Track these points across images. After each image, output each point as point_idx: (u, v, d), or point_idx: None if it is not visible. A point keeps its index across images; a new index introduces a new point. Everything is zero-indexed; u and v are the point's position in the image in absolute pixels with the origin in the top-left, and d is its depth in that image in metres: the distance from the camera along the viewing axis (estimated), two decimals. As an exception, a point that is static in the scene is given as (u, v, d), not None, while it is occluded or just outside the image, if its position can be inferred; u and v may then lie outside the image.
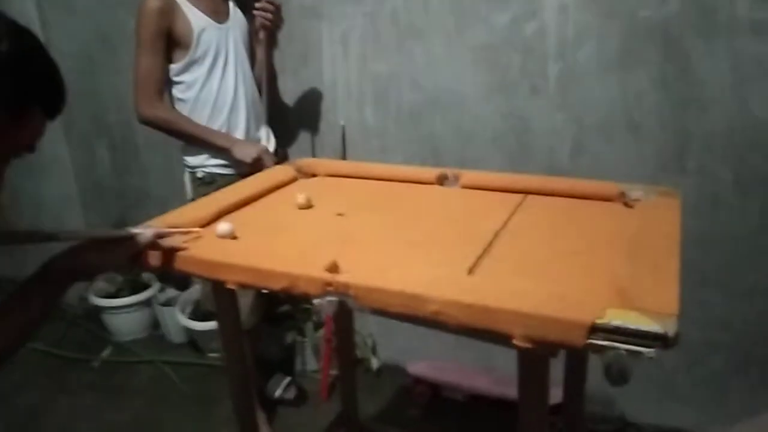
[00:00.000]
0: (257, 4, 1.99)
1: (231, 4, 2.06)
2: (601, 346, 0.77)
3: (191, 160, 2.03)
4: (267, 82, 2.10)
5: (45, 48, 0.82)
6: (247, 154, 1.94)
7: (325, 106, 2.34)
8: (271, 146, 2.13)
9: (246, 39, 2.07)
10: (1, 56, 0.74)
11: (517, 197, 1.40)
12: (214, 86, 1.97)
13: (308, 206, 1.40)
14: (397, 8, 2.08)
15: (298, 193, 1.41)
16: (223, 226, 1.20)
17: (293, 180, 1.65)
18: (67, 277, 0.97)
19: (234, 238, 1.19)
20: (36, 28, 2.80)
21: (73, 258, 0.99)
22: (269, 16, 1.99)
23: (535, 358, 0.91)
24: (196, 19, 1.91)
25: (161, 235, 1.11)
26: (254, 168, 1.88)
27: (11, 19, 0.78)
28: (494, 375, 2.23)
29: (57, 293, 0.96)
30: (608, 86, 1.87)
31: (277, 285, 1.01)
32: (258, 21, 2.01)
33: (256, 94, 2.10)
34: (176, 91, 1.98)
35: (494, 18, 1.95)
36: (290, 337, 2.54)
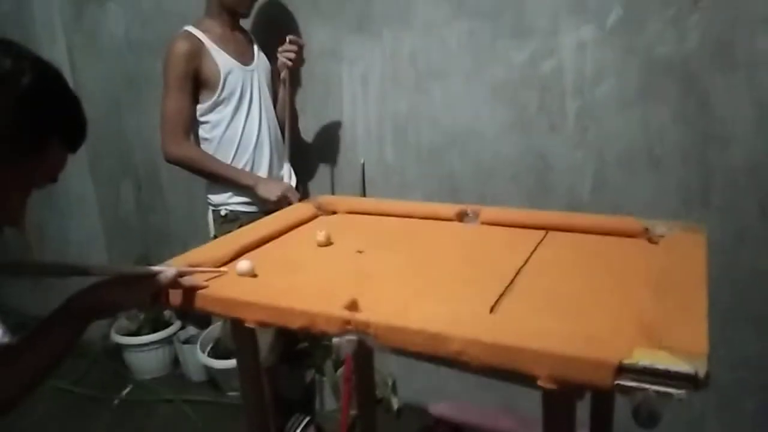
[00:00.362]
0: (283, 46, 2.04)
1: (255, 47, 2.11)
2: (629, 387, 0.75)
3: (215, 198, 2.06)
4: (289, 121, 2.14)
5: (66, 82, 0.84)
6: (271, 192, 1.97)
7: (345, 144, 2.36)
8: (293, 182, 2.16)
9: (269, 80, 2.12)
10: (23, 89, 0.76)
11: (539, 234, 1.39)
12: (239, 126, 2.01)
13: (328, 243, 1.40)
14: (415, 49, 2.12)
15: (318, 230, 1.42)
16: (242, 264, 1.20)
17: (314, 217, 1.66)
18: (89, 313, 0.98)
19: (254, 276, 1.20)
20: (66, 71, 2.89)
21: (95, 294, 0.99)
22: (292, 55, 2.04)
23: (560, 399, 0.88)
24: (223, 61, 1.96)
25: (183, 274, 1.12)
26: (279, 206, 1.90)
27: (35, 55, 0.80)
28: (517, 416, 2.18)
29: (79, 329, 0.96)
30: (628, 122, 1.86)
31: (296, 323, 1.00)
32: (281, 60, 2.05)
33: (279, 133, 2.14)
34: (202, 131, 2.02)
35: (512, 56, 1.97)
36: (309, 376, 2.51)
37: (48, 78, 0.80)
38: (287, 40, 2.04)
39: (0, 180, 0.78)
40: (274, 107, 2.15)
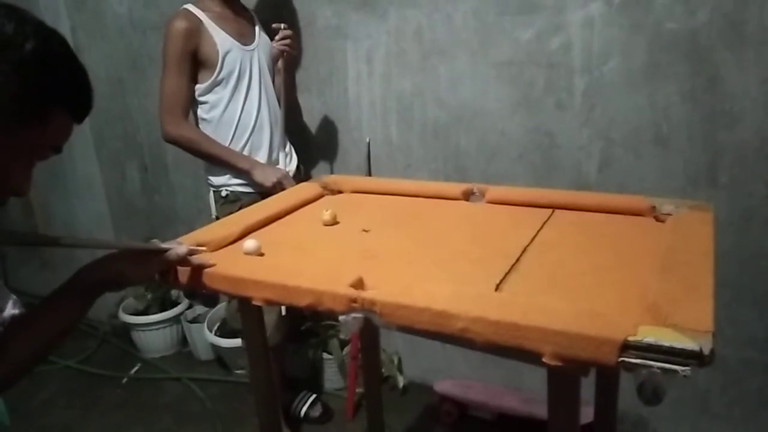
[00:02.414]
0: (277, 36, 2.03)
1: (257, 28, 2.10)
2: (634, 364, 0.75)
3: (215, 179, 2.06)
4: (284, 107, 2.13)
5: (71, 50, 0.81)
6: (266, 177, 1.97)
7: (350, 123, 2.35)
8: (293, 164, 2.15)
9: (270, 62, 2.11)
10: (25, 55, 0.74)
11: (545, 212, 1.39)
12: (237, 107, 2.00)
13: (334, 222, 1.41)
14: (420, 26, 2.10)
15: (324, 209, 1.42)
16: (249, 243, 1.21)
17: (319, 197, 1.66)
18: (97, 286, 0.98)
19: (261, 254, 1.20)
20: (69, 52, 2.88)
21: (104, 268, 1.00)
22: (288, 42, 2.03)
23: (565, 376, 0.89)
24: (221, 40, 1.94)
25: (193, 252, 1.12)
26: (273, 191, 1.90)
27: (39, 20, 0.78)
28: (523, 394, 2.20)
29: (86, 302, 0.97)
30: (635, 100, 1.84)
31: (302, 301, 1.01)
32: (277, 49, 2.05)
33: (279, 115, 2.13)
34: (201, 111, 2.01)
35: (518, 33, 1.95)
36: (316, 354, 2.53)
37: (52, 44, 0.78)
38: (281, 27, 2.03)
39: (2, 148, 0.77)
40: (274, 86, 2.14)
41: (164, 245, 1.09)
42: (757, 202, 1.77)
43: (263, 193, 1.92)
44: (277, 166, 2.10)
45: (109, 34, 2.82)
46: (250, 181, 2.00)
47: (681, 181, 1.84)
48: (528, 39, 1.94)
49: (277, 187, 1.94)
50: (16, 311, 0.93)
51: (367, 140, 2.30)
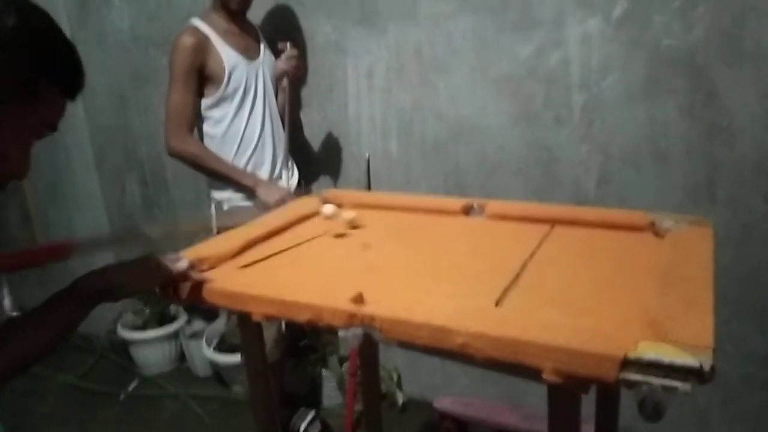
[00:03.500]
0: (284, 55, 2.05)
1: (262, 44, 2.11)
2: (634, 380, 0.74)
3: (217, 194, 2.07)
4: (288, 124, 2.14)
5: (56, 24, 0.80)
6: (270, 196, 1.97)
7: (350, 138, 2.36)
8: (294, 180, 2.16)
9: (274, 78, 2.12)
10: (6, 31, 0.72)
11: (545, 227, 1.38)
12: (242, 122, 2.01)
13: (355, 227, 1.44)
14: (420, 42, 2.11)
15: (346, 212, 1.46)
16: (327, 207, 1.32)
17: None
18: (94, 295, 0.97)
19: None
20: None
21: (102, 277, 0.99)
22: (294, 63, 2.05)
23: (565, 393, 0.88)
24: (227, 56, 1.96)
25: (194, 266, 1.12)
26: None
27: None
28: (523, 411, 2.18)
29: (83, 310, 0.95)
30: (634, 115, 1.85)
31: (302, 317, 1.00)
32: (282, 68, 2.07)
33: (282, 131, 2.14)
34: (206, 126, 2.03)
35: (517, 50, 1.96)
36: (315, 370, 2.52)
37: (35, 19, 0.76)
38: (287, 47, 2.04)
39: None
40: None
41: (165, 259, 1.09)
42: (756, 217, 1.77)
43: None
44: (280, 185, 2.10)
45: (110, 49, 2.84)
46: (254, 199, 2.00)
47: (680, 197, 1.84)
48: (527, 55, 1.95)
49: (281, 206, 1.95)
50: (14, 314, 0.92)
51: (367, 155, 2.30)
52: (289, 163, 2.18)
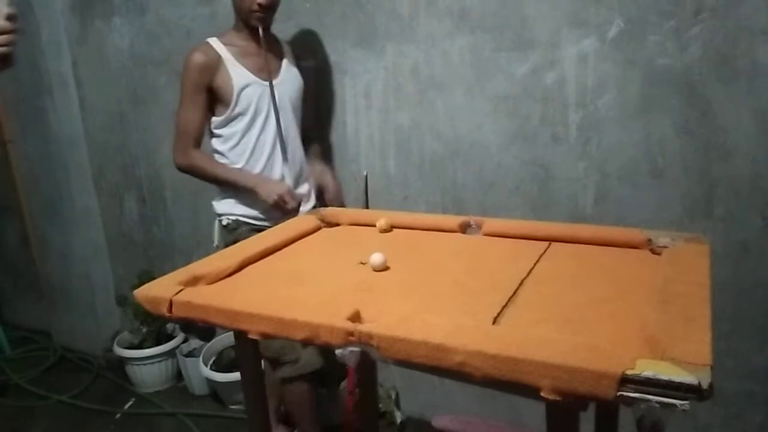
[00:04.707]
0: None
1: (285, 61, 2.09)
2: (633, 398, 0.74)
3: (218, 206, 2.08)
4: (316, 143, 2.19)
5: None
6: (269, 195, 1.95)
7: (348, 156, 2.37)
8: (309, 206, 2.12)
9: (297, 96, 2.11)
10: None
11: (542, 245, 1.39)
12: (250, 142, 2.01)
13: (388, 230, 1.56)
14: (417, 62, 2.13)
15: (380, 219, 1.56)
16: (376, 257, 1.29)
17: (317, 229, 1.66)
18: None
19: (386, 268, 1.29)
20: (71, 85, 2.93)
21: None
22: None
23: (563, 411, 0.88)
24: (238, 76, 1.95)
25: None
26: (277, 207, 1.93)
27: None
28: (521, 429, 2.16)
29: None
30: (630, 133, 1.86)
31: (298, 335, 1.00)
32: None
33: (300, 151, 2.12)
34: (216, 143, 2.05)
35: (514, 68, 1.98)
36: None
37: None
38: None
39: None
40: (300, 123, 2.12)
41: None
42: (753, 233, 1.78)
43: (261, 228, 1.90)
44: (283, 182, 2.04)
45: (110, 68, 2.86)
46: (258, 204, 2.00)
47: (677, 213, 1.85)
48: (523, 74, 1.97)
49: (280, 202, 1.94)
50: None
51: (365, 173, 2.31)
52: (306, 189, 2.14)
